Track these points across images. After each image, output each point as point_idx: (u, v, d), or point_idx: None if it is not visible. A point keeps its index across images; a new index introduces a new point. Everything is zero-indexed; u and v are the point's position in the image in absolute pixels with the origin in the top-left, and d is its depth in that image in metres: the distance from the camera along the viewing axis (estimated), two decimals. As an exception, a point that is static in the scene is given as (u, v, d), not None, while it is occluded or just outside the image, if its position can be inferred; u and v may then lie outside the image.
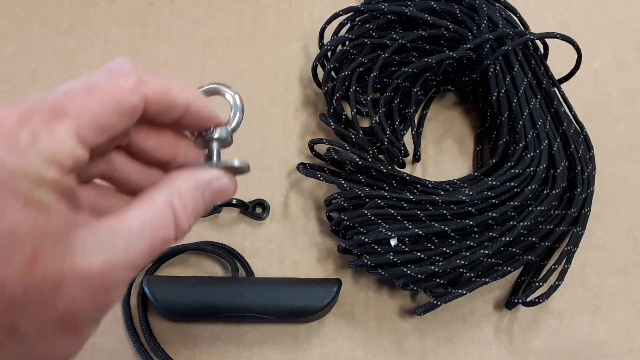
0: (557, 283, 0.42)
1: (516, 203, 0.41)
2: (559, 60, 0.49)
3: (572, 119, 0.47)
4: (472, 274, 0.40)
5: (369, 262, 0.40)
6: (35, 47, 0.52)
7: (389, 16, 0.48)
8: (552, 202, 0.43)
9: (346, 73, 0.46)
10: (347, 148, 0.44)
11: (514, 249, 0.41)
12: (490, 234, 0.41)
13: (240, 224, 0.46)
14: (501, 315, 0.44)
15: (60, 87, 0.24)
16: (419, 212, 0.40)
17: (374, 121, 0.45)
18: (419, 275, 0.40)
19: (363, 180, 0.43)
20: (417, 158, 0.48)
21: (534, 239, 0.42)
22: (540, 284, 0.42)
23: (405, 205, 0.41)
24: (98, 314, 0.25)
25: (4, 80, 0.51)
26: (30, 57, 0.52)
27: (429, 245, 0.40)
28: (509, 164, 0.44)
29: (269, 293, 0.41)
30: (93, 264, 0.23)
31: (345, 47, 0.47)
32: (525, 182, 0.43)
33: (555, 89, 0.48)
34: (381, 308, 0.44)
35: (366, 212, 0.40)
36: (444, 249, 0.40)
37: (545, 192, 0.43)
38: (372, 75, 0.46)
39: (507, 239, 0.40)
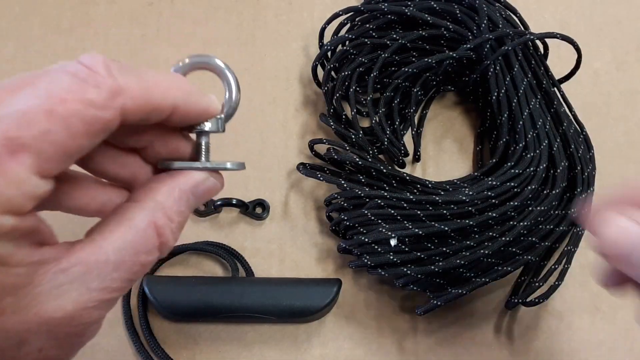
0: (557, 283, 0.42)
1: (516, 203, 0.41)
2: (559, 60, 0.49)
3: (572, 119, 0.47)
4: (472, 274, 0.40)
5: (369, 262, 0.40)
6: (35, 47, 0.52)
7: (389, 16, 0.48)
8: (552, 202, 0.43)
9: (346, 73, 0.46)
10: (347, 148, 0.44)
11: (514, 249, 0.41)
12: (490, 234, 0.41)
13: (240, 224, 0.46)
14: (501, 315, 0.44)
15: (17, 100, 0.19)
16: (419, 212, 0.40)
17: (374, 121, 0.45)
18: (419, 275, 0.40)
19: (363, 180, 0.43)
20: (417, 158, 0.48)
21: (534, 239, 0.42)
22: (540, 284, 0.42)
23: (405, 205, 0.41)
24: (71, 355, 0.22)
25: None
26: (30, 57, 0.52)
27: (429, 245, 0.40)
28: (509, 164, 0.44)
29: (269, 293, 0.41)
30: (63, 309, 0.20)
31: (345, 47, 0.47)
32: (525, 182, 0.43)
33: (555, 89, 0.48)
34: (381, 308, 0.44)
35: (366, 212, 0.40)
36: (444, 249, 0.40)
37: (545, 192, 0.43)
38: (372, 75, 0.46)
39: (507, 239, 0.40)
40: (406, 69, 0.46)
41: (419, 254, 0.40)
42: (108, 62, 0.21)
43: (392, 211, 0.40)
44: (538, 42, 0.49)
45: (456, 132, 0.50)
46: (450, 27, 0.47)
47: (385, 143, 0.45)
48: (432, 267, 0.39)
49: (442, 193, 0.42)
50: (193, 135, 0.27)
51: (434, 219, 0.41)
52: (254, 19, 0.54)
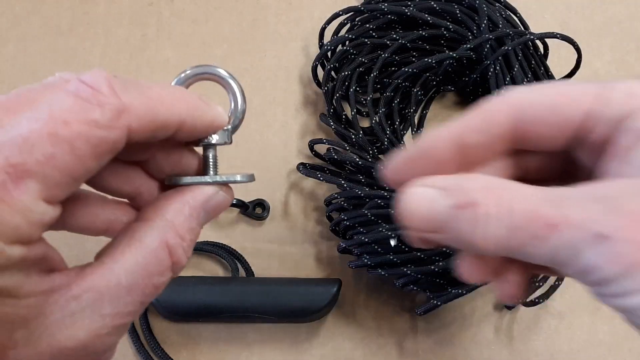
0: (557, 283, 0.42)
1: (516, 203, 0.41)
2: (559, 60, 0.49)
3: (572, 119, 0.47)
4: (472, 274, 0.40)
5: (369, 262, 0.40)
6: (35, 47, 0.52)
7: (389, 16, 0.48)
8: (552, 202, 0.43)
9: (346, 73, 0.46)
10: (347, 148, 0.44)
11: (514, 249, 0.41)
12: (490, 234, 0.41)
13: (240, 224, 0.46)
14: (501, 315, 0.44)
15: (18, 123, 0.18)
16: (419, 212, 0.40)
17: (374, 121, 0.45)
18: (419, 275, 0.40)
19: (363, 180, 0.43)
20: (417, 158, 0.48)
21: (534, 239, 0.42)
22: (540, 284, 0.42)
23: (405, 205, 0.41)
24: None
25: (4, 80, 0.51)
26: (30, 57, 0.52)
27: (429, 245, 0.40)
28: (509, 164, 0.44)
29: (269, 293, 0.41)
30: (76, 338, 0.19)
31: (345, 47, 0.47)
32: (525, 182, 0.43)
33: None
34: (381, 308, 0.44)
35: (366, 212, 0.40)
36: (444, 249, 0.40)
37: (545, 192, 0.43)
38: (372, 75, 0.46)
39: (507, 239, 0.40)
40: (406, 69, 0.46)
41: (419, 254, 0.40)
42: (111, 80, 0.20)
43: (393, 211, 0.40)
44: (538, 42, 0.49)
45: (456, 132, 0.50)
46: (450, 27, 0.47)
47: (385, 143, 0.45)
48: (432, 267, 0.39)
49: (442, 193, 0.42)
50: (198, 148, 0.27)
51: (434, 219, 0.41)
52: (254, 19, 0.54)
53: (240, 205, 0.45)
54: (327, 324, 0.43)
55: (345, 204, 0.42)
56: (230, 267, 0.44)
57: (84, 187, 0.25)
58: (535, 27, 0.50)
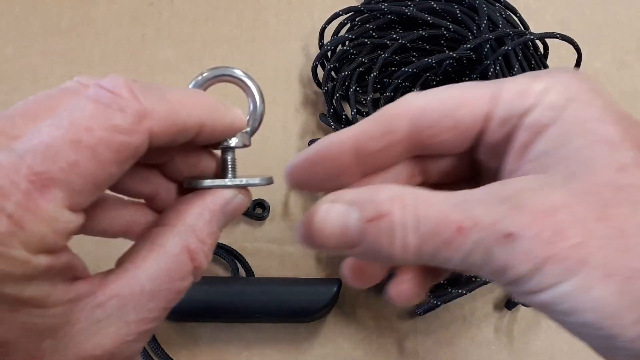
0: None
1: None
2: (559, 60, 0.49)
3: (572, 119, 0.47)
4: (472, 274, 0.40)
5: (369, 262, 0.40)
6: (35, 47, 0.52)
7: (389, 16, 0.48)
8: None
9: (346, 73, 0.46)
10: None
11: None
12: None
13: (240, 224, 0.46)
14: (501, 315, 0.44)
15: (39, 131, 0.18)
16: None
17: (374, 121, 0.45)
18: (419, 275, 0.40)
19: (363, 180, 0.43)
20: (417, 158, 0.48)
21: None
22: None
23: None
24: None
25: (4, 80, 0.51)
26: (30, 57, 0.52)
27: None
28: (509, 164, 0.44)
29: (269, 293, 0.41)
30: (102, 346, 0.19)
31: (345, 47, 0.47)
32: (525, 182, 0.43)
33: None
34: (381, 308, 0.44)
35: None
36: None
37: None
38: (372, 75, 0.46)
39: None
40: (406, 69, 0.46)
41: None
42: (130, 84, 0.20)
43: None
44: (538, 42, 0.49)
45: (456, 132, 0.50)
46: (450, 27, 0.47)
47: (385, 143, 0.45)
48: (432, 267, 0.39)
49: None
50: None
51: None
52: (254, 19, 0.54)
53: (240, 205, 0.45)
54: (327, 324, 0.43)
55: (345, 204, 0.42)
56: (230, 267, 0.44)
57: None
58: (535, 27, 0.50)
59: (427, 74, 0.48)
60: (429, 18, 0.47)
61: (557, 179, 0.20)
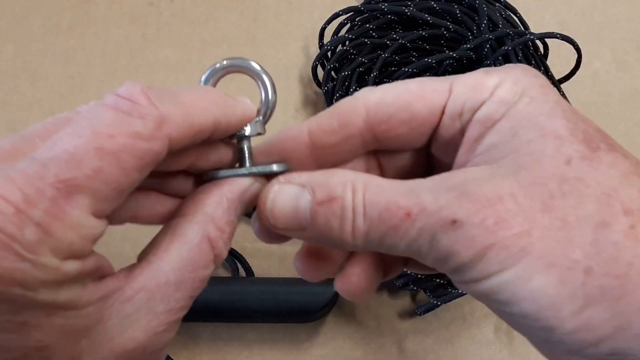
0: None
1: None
2: (559, 60, 0.49)
3: (572, 119, 0.47)
4: (472, 274, 0.40)
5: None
6: (35, 47, 0.52)
7: (389, 16, 0.48)
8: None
9: (346, 73, 0.46)
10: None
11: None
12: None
13: (241, 224, 0.46)
14: (501, 315, 0.44)
15: (60, 140, 0.18)
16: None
17: (374, 121, 0.45)
18: (419, 275, 0.40)
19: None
20: (417, 158, 0.48)
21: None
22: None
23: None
24: None
25: (4, 80, 0.51)
26: (30, 57, 0.52)
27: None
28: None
29: (269, 293, 0.41)
30: (135, 339, 0.20)
31: (345, 47, 0.47)
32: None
33: (556, 89, 0.48)
34: (381, 308, 0.44)
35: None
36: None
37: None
38: (372, 75, 0.46)
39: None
40: (406, 69, 0.46)
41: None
42: (146, 91, 0.20)
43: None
44: (538, 42, 0.49)
45: (456, 132, 0.50)
46: (450, 27, 0.47)
47: (385, 143, 0.45)
48: (432, 267, 0.39)
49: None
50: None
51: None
52: (254, 19, 0.54)
53: (240, 205, 0.45)
54: (327, 324, 0.43)
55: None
56: (230, 267, 0.44)
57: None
58: (535, 27, 0.50)
59: (427, 74, 0.48)
60: (429, 18, 0.47)
61: (505, 170, 0.20)
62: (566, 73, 0.49)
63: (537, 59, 0.48)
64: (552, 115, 0.21)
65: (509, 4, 0.50)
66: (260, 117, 0.26)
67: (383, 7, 0.47)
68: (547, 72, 0.48)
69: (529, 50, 0.48)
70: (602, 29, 0.55)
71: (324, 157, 0.25)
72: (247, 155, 0.25)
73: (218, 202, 0.23)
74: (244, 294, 0.41)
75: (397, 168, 0.26)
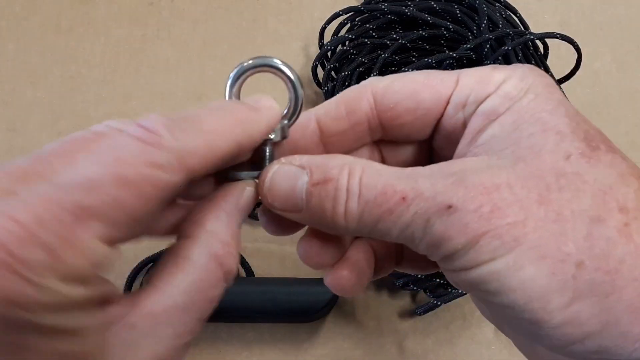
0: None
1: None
2: (559, 60, 0.49)
3: (572, 119, 0.47)
4: (472, 274, 0.40)
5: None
6: (35, 47, 0.52)
7: (389, 16, 0.48)
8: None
9: (346, 73, 0.46)
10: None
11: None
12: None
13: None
14: (501, 315, 0.44)
15: (81, 166, 0.18)
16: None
17: (374, 121, 0.45)
18: (419, 275, 0.40)
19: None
20: (417, 158, 0.48)
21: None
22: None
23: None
24: None
25: (4, 80, 0.51)
26: (30, 57, 0.52)
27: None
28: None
29: (269, 293, 0.41)
30: None
31: (345, 47, 0.47)
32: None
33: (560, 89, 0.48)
34: (381, 308, 0.44)
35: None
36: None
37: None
38: (372, 75, 0.46)
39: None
40: (406, 69, 0.46)
41: (419, 254, 0.40)
42: (168, 122, 0.20)
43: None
44: (538, 42, 0.49)
45: (456, 132, 0.50)
46: (450, 27, 0.47)
47: (385, 143, 0.45)
48: (432, 267, 0.39)
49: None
50: None
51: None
52: (254, 19, 0.54)
53: (240, 205, 0.45)
54: (327, 324, 0.43)
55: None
56: (230, 267, 0.44)
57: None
58: (535, 27, 0.50)
59: (427, 74, 0.48)
60: (429, 18, 0.47)
61: (504, 161, 0.21)
62: (566, 73, 0.49)
63: (537, 59, 0.48)
64: (555, 113, 0.21)
65: (509, 4, 0.50)
66: (285, 122, 0.25)
67: (383, 7, 0.47)
68: (547, 72, 0.48)
69: (529, 50, 0.48)
70: (602, 29, 0.55)
71: (331, 145, 0.25)
72: (267, 158, 0.24)
73: (217, 216, 0.22)
74: (244, 294, 0.41)
75: (399, 162, 0.26)
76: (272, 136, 0.24)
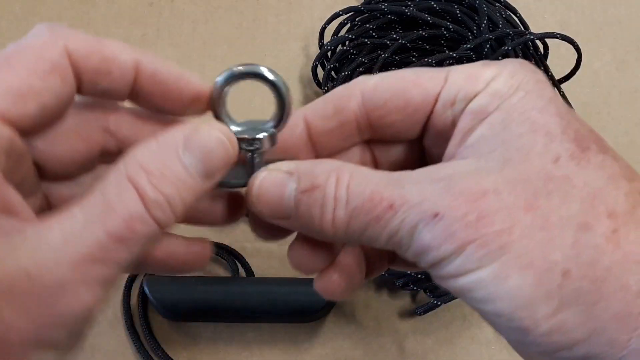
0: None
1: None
2: (559, 60, 0.49)
3: (572, 119, 0.47)
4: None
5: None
6: (35, 47, 0.52)
7: (389, 16, 0.48)
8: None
9: (346, 73, 0.46)
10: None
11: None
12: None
13: (240, 224, 0.46)
14: (501, 315, 0.44)
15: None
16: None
17: (374, 121, 0.45)
18: (419, 275, 0.40)
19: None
20: (417, 158, 0.48)
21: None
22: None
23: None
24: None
25: (4, 80, 0.51)
26: (30, 57, 0.52)
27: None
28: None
29: (269, 293, 0.41)
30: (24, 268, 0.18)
31: (345, 47, 0.47)
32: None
33: (555, 89, 0.48)
34: (381, 308, 0.44)
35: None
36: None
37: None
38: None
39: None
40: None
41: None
42: (53, 24, 0.21)
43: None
44: (538, 42, 0.49)
45: (456, 132, 0.50)
46: (450, 27, 0.47)
47: (385, 143, 0.45)
48: (432, 267, 0.39)
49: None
50: None
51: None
52: (254, 19, 0.54)
53: (240, 205, 0.45)
54: (327, 324, 0.43)
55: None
56: (230, 267, 0.44)
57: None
58: (535, 27, 0.50)
59: (427, 74, 0.48)
60: (429, 18, 0.47)
61: (492, 165, 0.20)
62: (566, 73, 0.49)
63: (537, 59, 0.48)
64: (545, 111, 0.21)
65: (509, 4, 0.50)
66: (275, 130, 0.24)
67: (383, 7, 0.47)
68: (547, 72, 0.48)
69: (529, 50, 0.48)
70: (602, 29, 0.55)
71: (320, 145, 0.25)
72: (255, 165, 0.23)
73: (146, 143, 0.20)
74: (244, 294, 0.41)
75: (390, 162, 0.26)
76: (258, 146, 0.23)
